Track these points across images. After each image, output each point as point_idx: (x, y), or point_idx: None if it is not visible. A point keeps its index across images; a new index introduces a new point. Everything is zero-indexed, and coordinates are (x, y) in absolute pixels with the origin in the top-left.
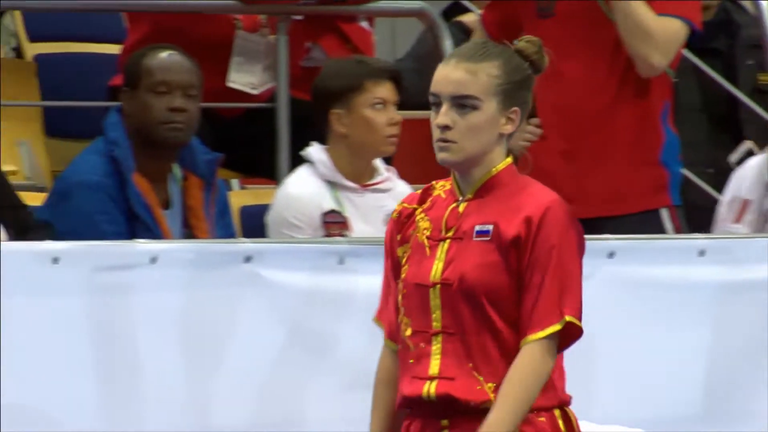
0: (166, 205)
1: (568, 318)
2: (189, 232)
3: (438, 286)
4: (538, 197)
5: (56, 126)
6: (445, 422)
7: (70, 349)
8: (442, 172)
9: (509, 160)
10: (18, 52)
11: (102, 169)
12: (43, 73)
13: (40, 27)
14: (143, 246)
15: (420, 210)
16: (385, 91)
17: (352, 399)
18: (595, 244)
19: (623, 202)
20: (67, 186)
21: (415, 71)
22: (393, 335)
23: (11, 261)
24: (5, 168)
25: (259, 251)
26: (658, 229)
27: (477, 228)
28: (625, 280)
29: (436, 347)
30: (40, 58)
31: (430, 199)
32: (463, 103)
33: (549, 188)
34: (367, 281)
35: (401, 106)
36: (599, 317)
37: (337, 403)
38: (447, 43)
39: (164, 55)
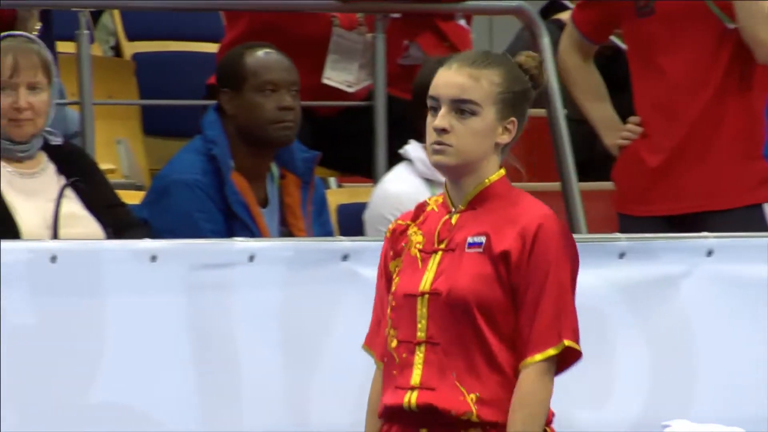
0: (264, 203)
1: (566, 342)
2: (286, 230)
3: (426, 295)
4: (532, 211)
5: (154, 124)
6: (423, 431)
7: (169, 348)
8: (540, 168)
9: (503, 171)
10: (116, 50)
11: (200, 167)
12: (141, 72)
13: (138, 26)
14: (241, 244)
15: (413, 225)
16: None
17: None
18: (693, 242)
19: (726, 197)
20: (166, 184)
21: None
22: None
23: (110, 259)
24: (104, 166)
25: (356, 249)
26: (760, 223)
27: (469, 240)
28: (724, 279)
29: (419, 357)
30: (138, 57)
31: (423, 214)
32: (463, 108)
33: (542, 202)
34: None
35: None
36: (697, 316)
37: None
38: (545, 41)
39: (264, 54)
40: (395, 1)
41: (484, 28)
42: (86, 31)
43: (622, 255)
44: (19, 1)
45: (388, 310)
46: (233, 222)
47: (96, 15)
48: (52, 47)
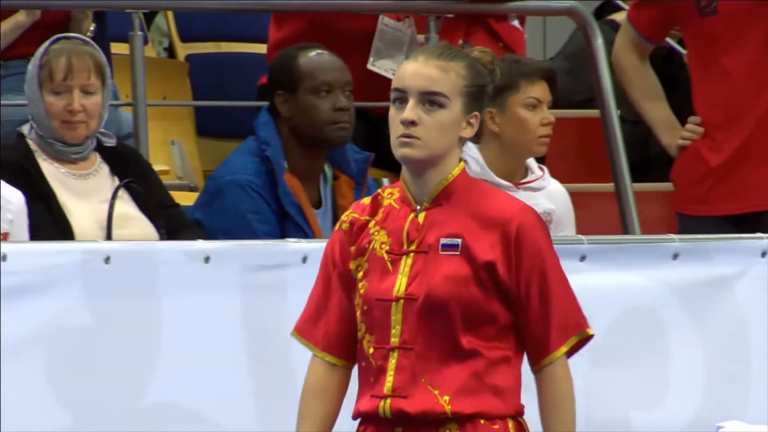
0: (317, 204)
1: (589, 331)
2: None
3: (401, 301)
4: (504, 208)
5: (207, 125)
6: (399, 429)
7: (223, 348)
8: (594, 169)
9: (462, 164)
10: (170, 52)
11: (254, 168)
12: (194, 73)
13: (191, 27)
14: (294, 245)
15: (373, 222)
16: (539, 90)
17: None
18: (748, 243)
19: None
20: (219, 185)
21: (566, 70)
22: (330, 348)
23: (164, 261)
24: (157, 167)
25: None
26: None
27: (443, 241)
28: None
29: (391, 363)
30: (191, 58)
31: (381, 209)
32: (432, 99)
33: (510, 195)
34: None
35: (553, 105)
36: (752, 317)
37: None
38: (598, 42)
39: (317, 55)
40: (448, 1)
41: (537, 29)
42: (140, 33)
43: (675, 256)
44: (73, 1)
45: (358, 313)
46: (286, 223)
47: (149, 16)
48: (106, 48)
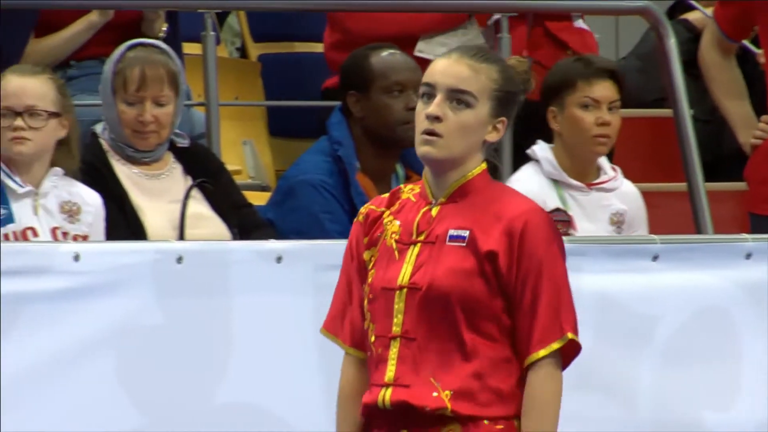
0: None
1: (570, 336)
2: None
3: (404, 289)
4: (516, 206)
5: (279, 125)
6: None
7: (294, 348)
8: (666, 168)
9: (484, 165)
10: (242, 52)
11: (326, 168)
12: (266, 73)
13: (263, 27)
14: None
15: (388, 213)
16: (598, 90)
17: (578, 398)
18: None
19: None
20: (292, 185)
21: (639, 70)
22: (358, 344)
23: (236, 260)
24: (229, 167)
25: None
26: None
27: (451, 232)
28: None
29: (393, 352)
30: (263, 58)
31: (398, 202)
32: (459, 98)
33: (525, 196)
34: (591, 280)
35: (625, 104)
36: None
37: (563, 402)
38: (671, 42)
39: (389, 54)
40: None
41: (609, 29)
42: (212, 33)
43: (748, 256)
44: (145, 1)
45: (365, 303)
46: None
47: (222, 16)
48: (178, 49)
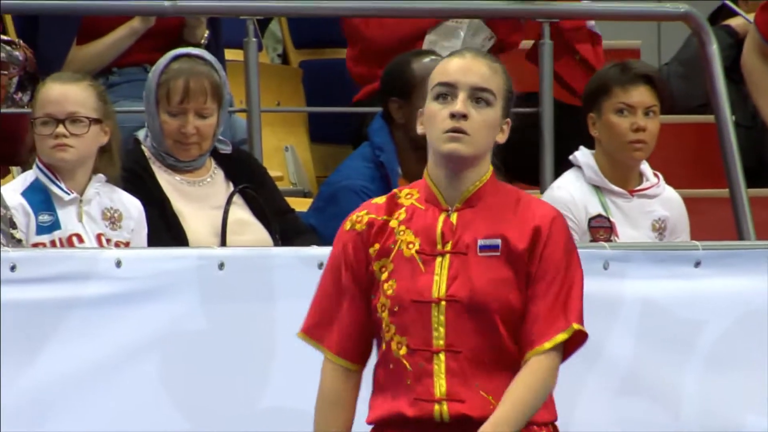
0: None
1: (575, 326)
2: None
3: (443, 302)
4: (542, 209)
5: (321, 131)
6: None
7: None
8: (709, 174)
9: (491, 168)
10: (284, 58)
11: (368, 174)
12: (308, 79)
13: (305, 33)
14: None
15: (395, 221)
16: (634, 96)
17: (622, 404)
18: None
19: None
20: (333, 191)
21: (681, 76)
22: (345, 353)
23: (278, 266)
24: (271, 173)
25: None
26: None
27: (481, 242)
28: None
29: (438, 366)
30: (305, 65)
31: (401, 209)
32: (480, 96)
33: (545, 201)
34: (633, 286)
35: (669, 110)
36: None
37: (607, 407)
38: (713, 48)
39: (431, 61)
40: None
41: (652, 34)
42: (254, 39)
43: None
44: (190, 4)
45: (384, 314)
46: None
47: (263, 23)
48: (220, 55)
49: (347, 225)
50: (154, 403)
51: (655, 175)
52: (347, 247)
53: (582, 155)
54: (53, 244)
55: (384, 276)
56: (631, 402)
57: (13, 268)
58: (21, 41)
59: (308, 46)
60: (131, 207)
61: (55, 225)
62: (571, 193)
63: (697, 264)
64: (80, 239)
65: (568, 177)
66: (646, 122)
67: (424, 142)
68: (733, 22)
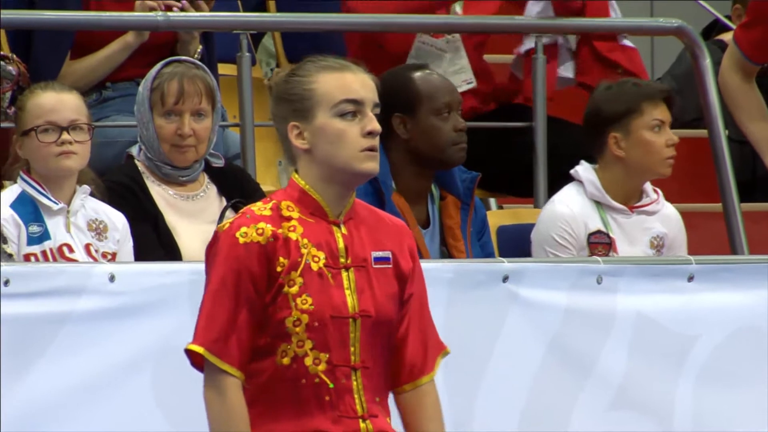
0: (425, 224)
1: (447, 349)
2: (446, 251)
3: (358, 319)
4: (401, 223)
5: None
6: None
7: None
8: (702, 189)
9: None
10: None
11: (362, 188)
12: None
13: (298, 48)
14: None
15: (294, 234)
16: (661, 112)
17: (615, 418)
18: None
19: None
20: None
21: (674, 91)
22: (244, 366)
23: None
24: (265, 188)
25: (516, 270)
26: None
27: (375, 254)
28: None
29: (357, 383)
30: None
31: (292, 222)
32: (375, 111)
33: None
34: (627, 300)
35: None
36: None
37: (600, 421)
38: (706, 62)
39: (427, 74)
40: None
41: (645, 48)
42: (247, 54)
43: None
44: (184, 19)
45: (299, 329)
46: None
47: (257, 37)
48: (213, 69)
49: (244, 238)
50: (148, 418)
51: (655, 191)
52: (250, 260)
53: (583, 170)
54: (44, 254)
55: (294, 290)
56: (623, 416)
57: (6, 283)
58: (14, 56)
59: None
60: (116, 219)
61: (44, 235)
62: (571, 207)
63: (690, 278)
64: (70, 249)
65: (569, 191)
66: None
67: (424, 157)
68: (726, 36)
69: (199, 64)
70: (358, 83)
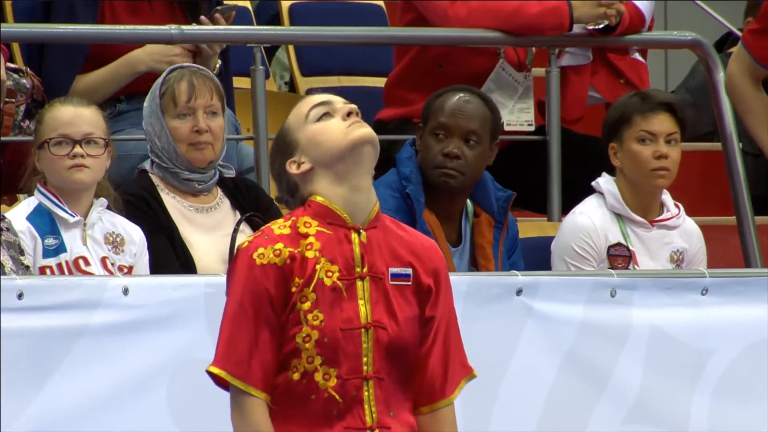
0: (457, 242)
1: (474, 372)
2: (475, 270)
3: (371, 329)
4: (435, 247)
5: None
6: None
7: None
8: (716, 202)
9: None
10: (291, 85)
11: (393, 204)
12: None
13: (312, 61)
14: None
15: (311, 253)
16: (655, 124)
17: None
18: None
19: None
20: None
21: (688, 104)
22: (268, 388)
23: None
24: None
25: (530, 284)
26: None
27: (393, 271)
28: None
29: (368, 393)
30: (312, 92)
31: (309, 239)
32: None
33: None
34: (641, 314)
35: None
36: None
37: None
38: (720, 75)
39: (455, 97)
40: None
41: (659, 62)
42: (261, 67)
43: None
44: (198, 32)
45: (308, 345)
46: None
47: (271, 51)
48: (228, 82)
49: (260, 259)
50: None
51: (676, 206)
52: (268, 282)
53: (605, 182)
54: (60, 267)
55: (306, 306)
56: (639, 429)
57: (20, 296)
58: (28, 69)
59: (315, 74)
60: (133, 233)
61: (60, 248)
62: (593, 219)
63: (704, 291)
64: (86, 262)
65: (590, 203)
66: (668, 150)
67: (428, 179)
68: None
69: (201, 67)
70: (319, 96)
